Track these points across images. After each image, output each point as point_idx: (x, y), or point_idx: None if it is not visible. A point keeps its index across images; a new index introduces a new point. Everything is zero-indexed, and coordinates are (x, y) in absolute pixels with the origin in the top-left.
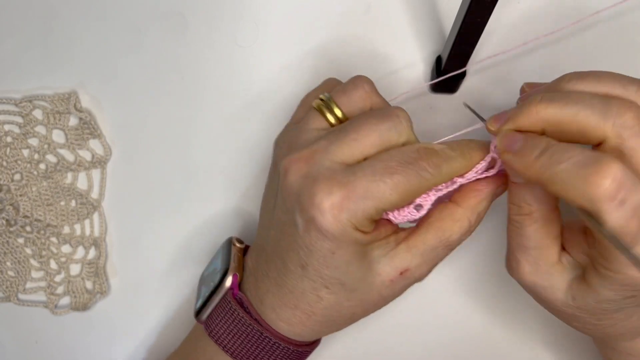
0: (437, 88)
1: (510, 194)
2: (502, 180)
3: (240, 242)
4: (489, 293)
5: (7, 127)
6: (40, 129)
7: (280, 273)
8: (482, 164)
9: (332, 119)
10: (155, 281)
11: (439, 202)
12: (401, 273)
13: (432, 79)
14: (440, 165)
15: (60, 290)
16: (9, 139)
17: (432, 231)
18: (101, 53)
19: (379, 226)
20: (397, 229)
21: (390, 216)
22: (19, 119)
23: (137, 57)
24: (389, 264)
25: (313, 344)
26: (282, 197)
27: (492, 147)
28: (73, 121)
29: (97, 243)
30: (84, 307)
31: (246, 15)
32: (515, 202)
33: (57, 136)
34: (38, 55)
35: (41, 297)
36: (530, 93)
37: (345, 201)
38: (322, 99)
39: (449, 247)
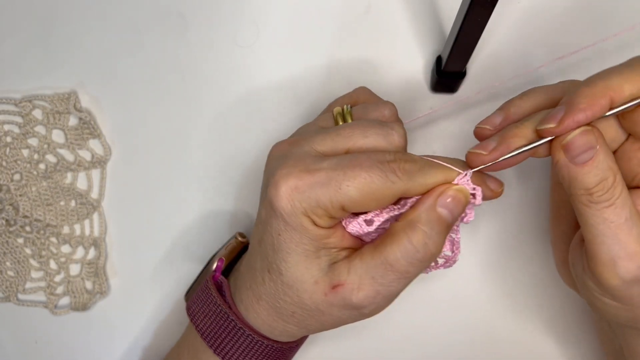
0: (437, 88)
1: (586, 176)
2: (449, 192)
3: (244, 237)
4: (490, 294)
5: (7, 127)
6: (40, 129)
7: (249, 254)
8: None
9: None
10: (155, 281)
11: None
12: (333, 287)
13: (432, 79)
14: (413, 173)
15: (60, 290)
16: (8, 139)
17: (370, 249)
18: (101, 53)
19: (338, 230)
20: (359, 244)
21: (343, 221)
22: (19, 119)
23: (137, 57)
24: (328, 274)
25: (285, 343)
26: (264, 175)
27: (466, 176)
28: (73, 121)
29: (96, 243)
30: (83, 307)
31: (246, 15)
32: (600, 176)
33: (57, 136)
34: (38, 55)
35: (41, 297)
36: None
37: (302, 184)
38: (342, 109)
39: (394, 271)
